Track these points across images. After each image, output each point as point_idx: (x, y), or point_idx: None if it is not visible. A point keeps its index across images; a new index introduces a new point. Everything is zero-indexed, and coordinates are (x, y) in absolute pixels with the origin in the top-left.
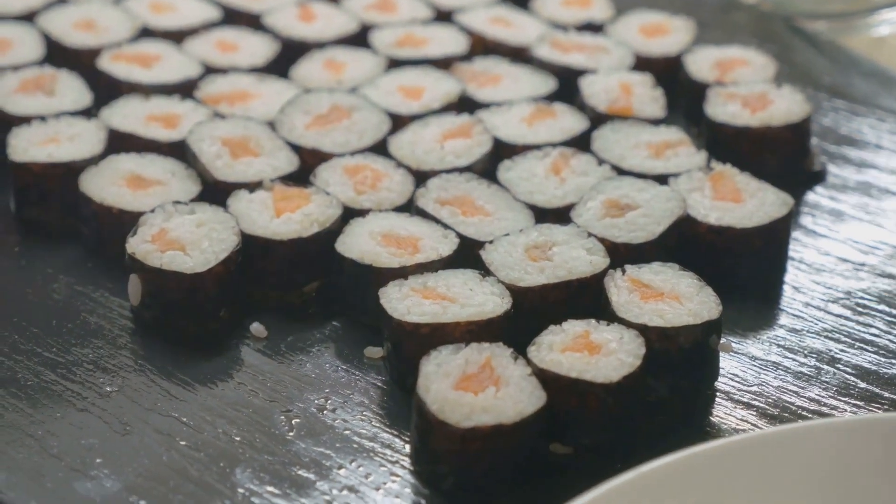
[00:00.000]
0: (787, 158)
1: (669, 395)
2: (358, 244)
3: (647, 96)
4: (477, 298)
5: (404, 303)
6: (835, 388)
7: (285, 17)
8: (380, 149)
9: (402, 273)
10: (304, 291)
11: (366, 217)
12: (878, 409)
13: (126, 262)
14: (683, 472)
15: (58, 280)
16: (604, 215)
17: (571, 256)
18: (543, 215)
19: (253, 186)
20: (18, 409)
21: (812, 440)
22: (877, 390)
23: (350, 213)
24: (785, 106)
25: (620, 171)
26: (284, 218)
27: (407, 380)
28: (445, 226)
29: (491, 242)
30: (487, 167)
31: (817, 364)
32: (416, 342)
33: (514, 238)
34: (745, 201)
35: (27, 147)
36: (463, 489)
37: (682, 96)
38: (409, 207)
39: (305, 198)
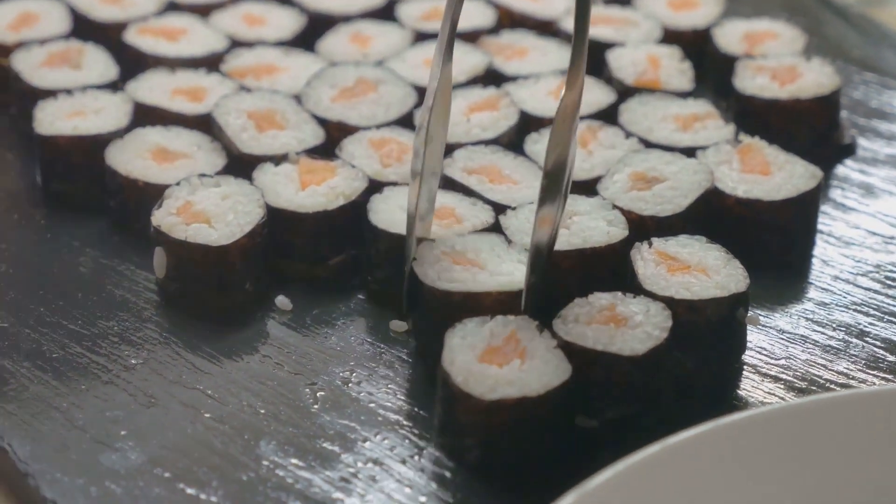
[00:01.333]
0: (816, 131)
1: (696, 369)
2: (393, 219)
3: (675, 69)
4: (505, 266)
5: (435, 268)
6: (863, 362)
7: None
8: (406, 122)
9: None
10: (330, 265)
11: (383, 193)
12: None
13: (151, 234)
14: (710, 445)
15: (84, 253)
16: (630, 188)
17: (589, 226)
18: (571, 187)
19: (278, 159)
20: (44, 382)
21: (839, 411)
22: None
23: (375, 186)
24: (814, 79)
25: (648, 144)
26: (310, 191)
27: (432, 346)
28: (471, 193)
29: (514, 209)
30: (514, 140)
31: (846, 337)
32: (445, 309)
33: (536, 206)
34: (774, 174)
35: (53, 120)
36: (488, 462)
37: (711, 69)
38: None
39: (331, 171)
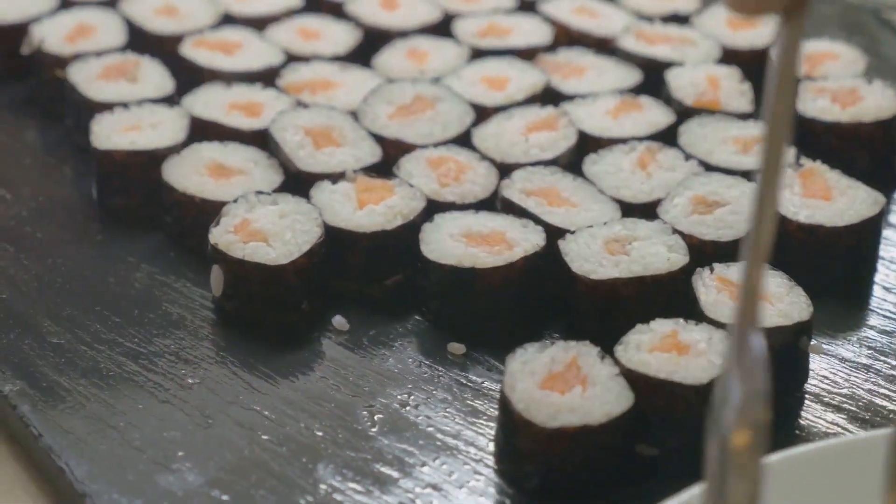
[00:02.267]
0: (877, 155)
1: None
2: (445, 249)
3: (735, 90)
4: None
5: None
6: None
7: (368, 5)
8: (463, 140)
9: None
10: (386, 284)
11: (434, 222)
12: None
13: (209, 252)
14: (773, 476)
15: (139, 269)
16: (691, 212)
17: (650, 252)
18: (630, 210)
19: (336, 177)
20: (100, 400)
21: None
22: None
23: (434, 207)
24: (875, 102)
25: (708, 167)
26: (367, 210)
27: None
28: (529, 216)
29: (572, 233)
30: (572, 160)
31: None
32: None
33: (596, 230)
34: (836, 199)
35: (109, 134)
36: (548, 489)
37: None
38: (492, 201)
39: (389, 189)
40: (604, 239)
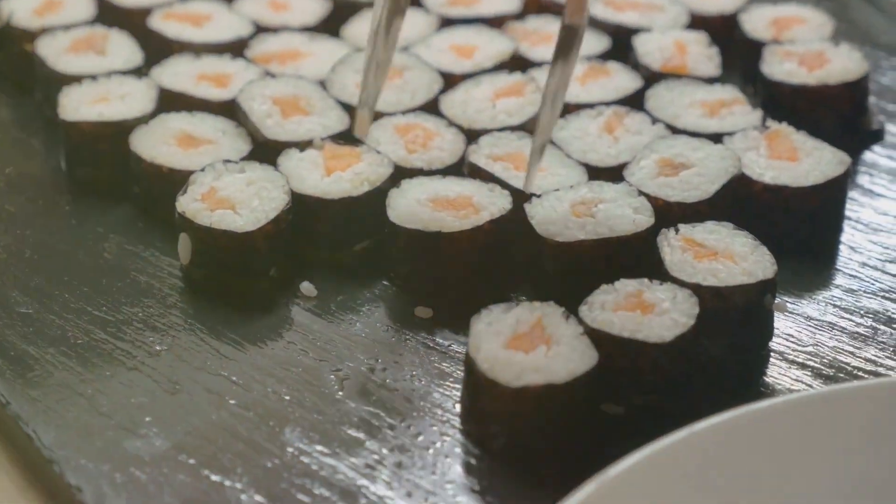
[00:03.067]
0: (844, 117)
1: (723, 356)
2: (412, 213)
3: (702, 55)
4: None
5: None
6: (892, 349)
7: None
8: (431, 108)
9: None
10: (355, 251)
11: (401, 187)
12: None
13: (176, 220)
14: (736, 431)
15: (108, 239)
16: (657, 174)
17: (615, 214)
18: (597, 174)
19: (303, 145)
20: (68, 368)
21: (867, 399)
22: None
23: (401, 173)
24: (842, 64)
25: (675, 130)
26: (335, 176)
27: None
28: (497, 181)
29: (539, 196)
30: None
31: (874, 324)
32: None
33: (562, 193)
34: (801, 160)
35: (78, 106)
36: (514, 449)
37: (738, 55)
38: (460, 167)
39: (356, 156)
40: (570, 202)
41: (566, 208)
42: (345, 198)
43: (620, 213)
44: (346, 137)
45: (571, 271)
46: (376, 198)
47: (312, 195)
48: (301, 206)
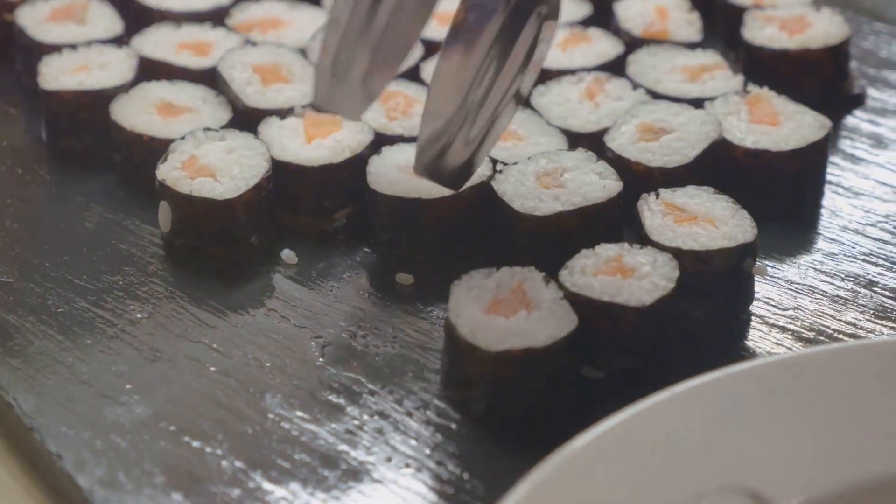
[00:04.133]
0: (825, 82)
1: (703, 319)
2: (391, 180)
3: (684, 20)
4: None
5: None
6: (872, 312)
7: None
8: (412, 75)
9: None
10: (335, 218)
11: (381, 154)
12: None
13: (156, 189)
14: (716, 393)
15: (89, 209)
16: (638, 139)
17: (584, 182)
18: (578, 140)
19: (284, 113)
20: (49, 336)
21: (847, 361)
22: None
23: (382, 140)
24: (823, 29)
25: (656, 96)
26: (315, 144)
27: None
28: None
29: (500, 172)
30: None
31: (854, 287)
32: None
33: (523, 166)
34: (782, 125)
35: (58, 75)
36: (494, 413)
37: (719, 20)
38: None
39: (336, 124)
40: (534, 174)
41: (532, 181)
42: (325, 165)
43: (588, 179)
44: None
45: (550, 243)
46: (356, 165)
47: (293, 162)
48: (282, 174)
